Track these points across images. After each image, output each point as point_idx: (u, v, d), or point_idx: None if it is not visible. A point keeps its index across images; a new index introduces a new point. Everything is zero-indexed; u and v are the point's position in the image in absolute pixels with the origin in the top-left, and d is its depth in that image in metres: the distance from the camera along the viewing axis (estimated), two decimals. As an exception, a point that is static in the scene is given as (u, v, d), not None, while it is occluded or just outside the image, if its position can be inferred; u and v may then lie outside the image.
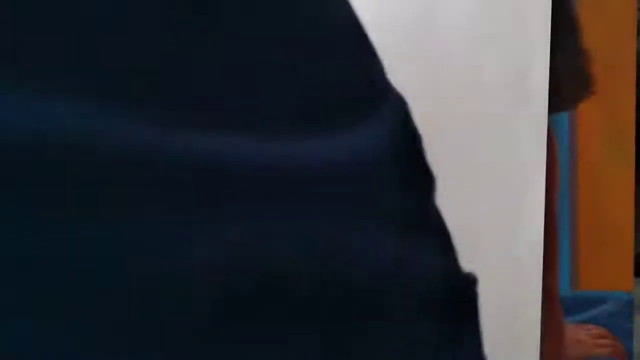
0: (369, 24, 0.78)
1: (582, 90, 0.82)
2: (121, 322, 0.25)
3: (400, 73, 0.80)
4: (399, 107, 0.32)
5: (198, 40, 0.24)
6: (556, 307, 0.80)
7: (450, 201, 0.78)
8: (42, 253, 0.25)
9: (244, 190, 0.26)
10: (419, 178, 0.32)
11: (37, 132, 0.26)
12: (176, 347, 0.25)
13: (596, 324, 0.90)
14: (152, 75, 0.24)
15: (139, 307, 0.25)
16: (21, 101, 0.26)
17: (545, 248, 0.77)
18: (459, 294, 0.37)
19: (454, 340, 0.35)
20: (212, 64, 0.24)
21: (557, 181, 0.81)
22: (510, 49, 0.79)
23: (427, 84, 0.78)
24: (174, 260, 0.25)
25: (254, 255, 0.27)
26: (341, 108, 0.29)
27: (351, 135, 0.29)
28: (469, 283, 0.37)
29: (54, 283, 0.24)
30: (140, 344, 0.25)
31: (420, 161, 0.32)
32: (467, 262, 0.78)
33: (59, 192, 0.26)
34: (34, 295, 0.24)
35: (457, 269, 0.34)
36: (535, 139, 0.78)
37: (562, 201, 0.81)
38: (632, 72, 0.83)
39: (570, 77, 0.81)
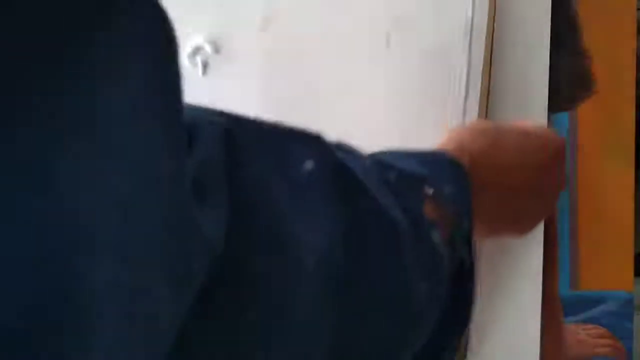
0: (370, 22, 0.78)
1: (582, 90, 0.82)
2: None
3: (400, 72, 0.80)
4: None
5: None
6: (556, 307, 0.80)
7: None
8: None
9: None
10: None
11: None
12: None
13: (596, 324, 0.90)
14: None
15: None
16: None
17: (545, 248, 0.78)
18: None
19: None
20: None
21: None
22: (510, 49, 0.79)
23: (427, 84, 0.78)
24: None
25: None
26: None
27: None
28: None
29: None
30: None
31: None
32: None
33: None
34: None
35: None
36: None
37: (562, 201, 0.81)
38: (632, 72, 0.83)
39: (570, 78, 0.81)
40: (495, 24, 0.76)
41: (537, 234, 0.77)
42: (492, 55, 0.74)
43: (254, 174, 0.38)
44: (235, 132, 0.38)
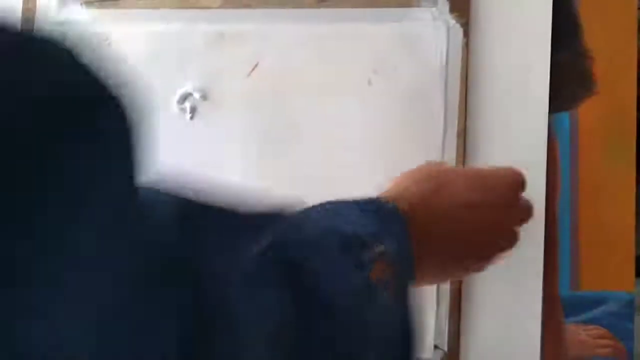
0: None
1: (583, 90, 0.82)
2: None
3: (381, 113, 0.80)
4: None
5: None
6: (556, 307, 0.80)
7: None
8: None
9: None
10: None
11: None
12: None
13: (597, 324, 0.90)
14: None
15: None
16: None
17: (545, 248, 0.77)
18: None
19: None
20: None
21: (558, 181, 0.81)
22: (510, 49, 0.79)
23: (408, 124, 0.79)
24: None
25: None
26: None
27: None
28: None
29: None
30: None
31: None
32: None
33: None
34: None
35: None
36: (535, 139, 0.78)
37: (562, 201, 0.81)
38: (632, 71, 0.83)
39: (571, 78, 0.81)
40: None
41: (538, 235, 0.77)
42: (467, 96, 0.77)
43: (206, 256, 0.39)
44: (186, 213, 0.39)
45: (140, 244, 0.32)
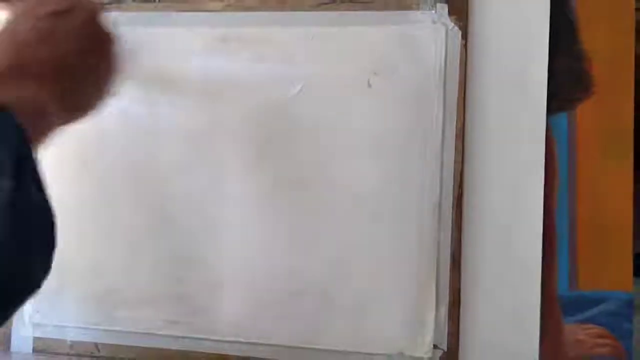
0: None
1: (580, 91, 0.82)
2: None
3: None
4: None
5: None
6: (555, 307, 0.81)
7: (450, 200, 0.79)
8: None
9: None
10: None
11: None
12: None
13: (596, 324, 0.90)
14: None
15: None
16: None
17: (543, 248, 0.78)
18: None
19: None
20: None
21: (555, 180, 0.81)
22: (508, 51, 0.79)
23: (407, 122, 0.79)
24: None
25: None
26: None
27: None
28: None
29: None
30: None
31: None
32: (465, 261, 0.78)
33: None
34: None
35: None
36: (534, 139, 0.79)
37: (561, 201, 0.81)
38: (631, 72, 0.83)
39: (569, 79, 0.81)
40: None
41: (536, 234, 0.77)
42: (466, 97, 0.78)
43: None
44: None
45: None
